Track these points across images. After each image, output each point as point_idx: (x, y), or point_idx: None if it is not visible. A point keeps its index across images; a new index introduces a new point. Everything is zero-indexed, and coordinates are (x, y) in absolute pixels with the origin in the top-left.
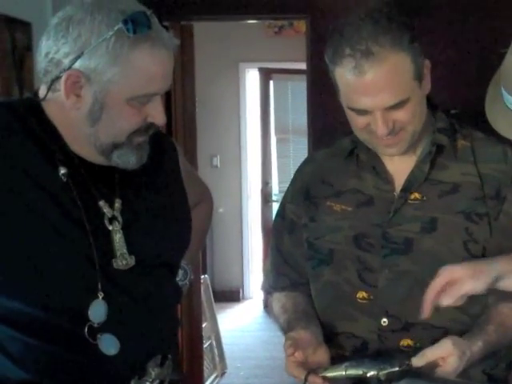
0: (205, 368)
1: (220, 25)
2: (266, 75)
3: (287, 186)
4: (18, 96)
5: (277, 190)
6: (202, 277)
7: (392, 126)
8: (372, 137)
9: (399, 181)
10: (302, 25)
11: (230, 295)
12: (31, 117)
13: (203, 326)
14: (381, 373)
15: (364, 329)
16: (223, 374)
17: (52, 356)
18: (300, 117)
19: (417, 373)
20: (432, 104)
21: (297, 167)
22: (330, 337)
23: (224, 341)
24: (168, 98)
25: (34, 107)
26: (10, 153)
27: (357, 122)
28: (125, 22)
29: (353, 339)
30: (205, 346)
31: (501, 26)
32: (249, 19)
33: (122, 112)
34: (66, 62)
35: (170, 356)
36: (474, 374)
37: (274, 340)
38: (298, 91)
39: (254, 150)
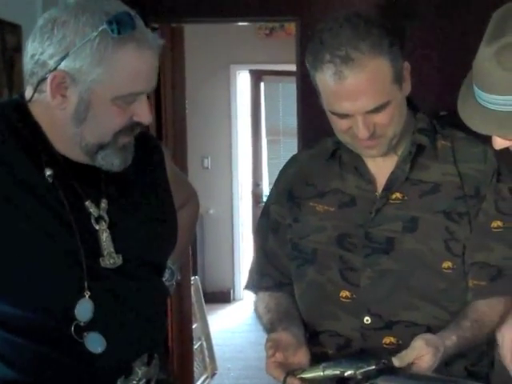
0: (195, 369)
1: (211, 27)
2: (257, 77)
3: None
4: (8, 98)
5: (267, 191)
6: (193, 278)
7: (373, 128)
8: (354, 139)
9: (381, 181)
10: (292, 27)
11: (221, 296)
12: (16, 118)
13: (193, 326)
14: (358, 372)
15: (347, 327)
16: (213, 374)
17: (40, 355)
18: (291, 118)
19: (393, 370)
20: (413, 105)
21: None
22: (314, 335)
23: (214, 342)
24: (158, 100)
25: (20, 108)
26: None
27: (338, 125)
28: (109, 22)
29: (336, 337)
30: (195, 346)
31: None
32: (240, 21)
33: (108, 111)
34: (52, 63)
35: (156, 355)
36: (456, 370)
37: (264, 341)
38: (288, 93)
39: (245, 151)
